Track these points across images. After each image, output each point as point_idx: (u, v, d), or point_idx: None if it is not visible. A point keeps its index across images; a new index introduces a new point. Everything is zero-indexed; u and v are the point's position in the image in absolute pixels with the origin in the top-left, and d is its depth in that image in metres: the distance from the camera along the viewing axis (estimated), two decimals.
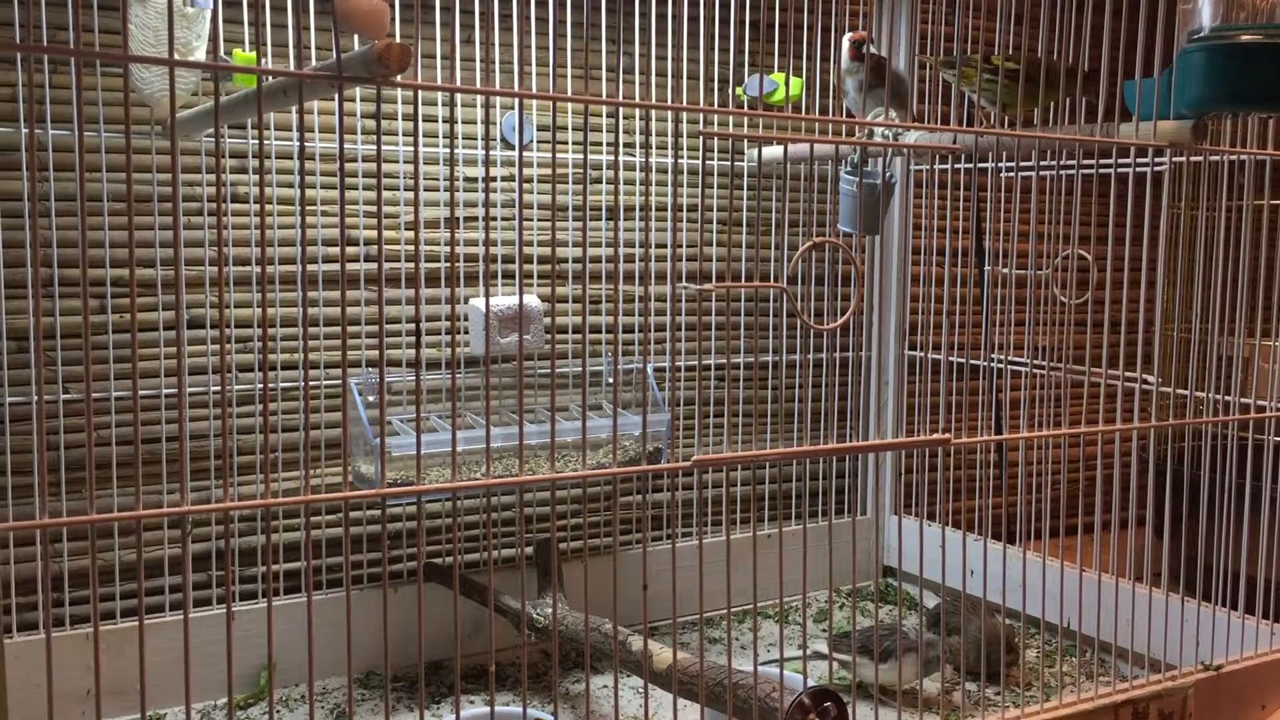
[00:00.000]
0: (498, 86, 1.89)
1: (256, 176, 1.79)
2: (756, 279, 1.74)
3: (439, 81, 1.87)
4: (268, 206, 1.81)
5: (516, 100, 1.95)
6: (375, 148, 1.08)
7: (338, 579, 1.92)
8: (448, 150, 1.94)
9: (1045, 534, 1.63)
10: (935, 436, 1.23)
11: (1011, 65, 1.70)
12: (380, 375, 1.20)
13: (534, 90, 1.92)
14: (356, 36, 1.43)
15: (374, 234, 1.90)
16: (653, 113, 1.97)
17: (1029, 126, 1.71)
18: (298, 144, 1.25)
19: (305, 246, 1.87)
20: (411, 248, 1.90)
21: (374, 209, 1.88)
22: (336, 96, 0.99)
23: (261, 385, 1.34)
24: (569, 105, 2.02)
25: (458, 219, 1.88)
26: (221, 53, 1.75)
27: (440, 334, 2.00)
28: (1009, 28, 1.82)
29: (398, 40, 1.28)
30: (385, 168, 1.89)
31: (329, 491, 1.91)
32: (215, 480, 1.82)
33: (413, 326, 1.92)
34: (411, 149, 1.85)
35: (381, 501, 1.11)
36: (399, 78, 0.96)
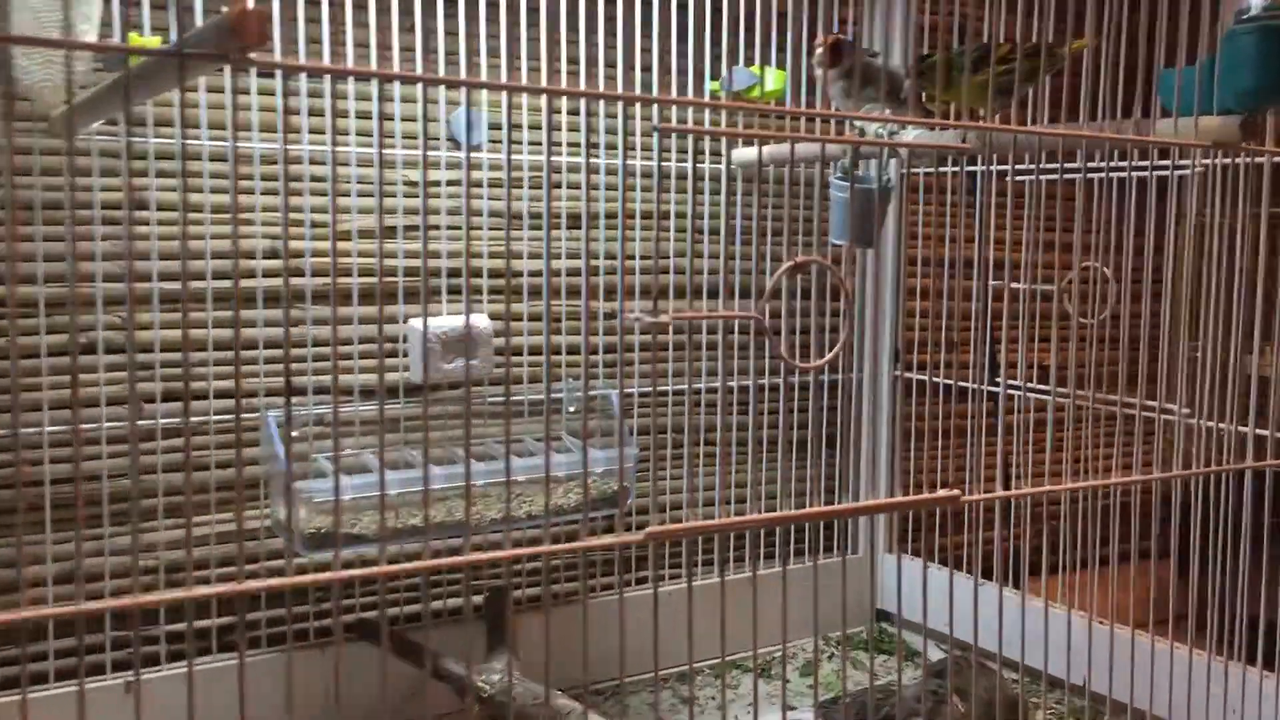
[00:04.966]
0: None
1: (126, 179, 1.56)
2: (736, 296, 1.53)
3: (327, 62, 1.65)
4: (148, 214, 1.57)
5: (462, 92, 1.73)
6: (280, 144, 0.86)
7: (257, 638, 1.69)
8: (382, 149, 1.71)
9: (1062, 571, 1.43)
10: (941, 494, 1.02)
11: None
12: (287, 412, 0.99)
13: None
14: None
15: (300, 245, 1.67)
16: (602, 104, 1.75)
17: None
18: (179, 142, 1.04)
19: (237, 259, 1.64)
20: (340, 260, 1.68)
21: (288, 216, 1.66)
22: (179, 83, 0.77)
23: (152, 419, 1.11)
24: (523, 99, 1.80)
25: (390, 228, 1.66)
26: (117, 38, 1.54)
27: (374, 358, 1.78)
28: (1009, 18, 1.62)
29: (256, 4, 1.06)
30: (322, 169, 1.67)
31: (248, 539, 1.69)
32: (111, 527, 1.60)
33: (340, 350, 1.69)
34: (347, 148, 1.63)
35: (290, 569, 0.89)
36: (256, 55, 0.74)
